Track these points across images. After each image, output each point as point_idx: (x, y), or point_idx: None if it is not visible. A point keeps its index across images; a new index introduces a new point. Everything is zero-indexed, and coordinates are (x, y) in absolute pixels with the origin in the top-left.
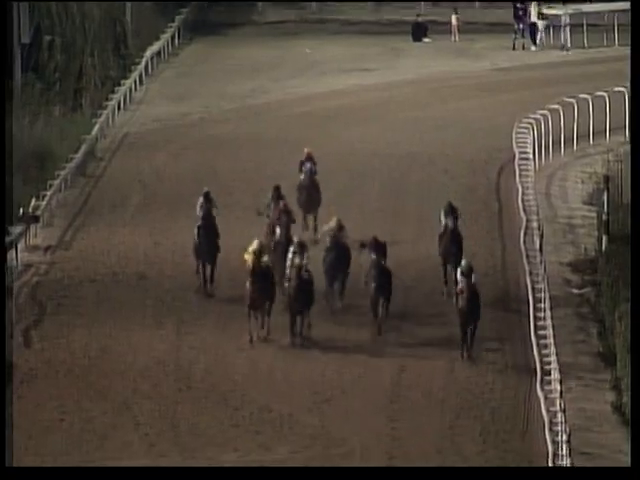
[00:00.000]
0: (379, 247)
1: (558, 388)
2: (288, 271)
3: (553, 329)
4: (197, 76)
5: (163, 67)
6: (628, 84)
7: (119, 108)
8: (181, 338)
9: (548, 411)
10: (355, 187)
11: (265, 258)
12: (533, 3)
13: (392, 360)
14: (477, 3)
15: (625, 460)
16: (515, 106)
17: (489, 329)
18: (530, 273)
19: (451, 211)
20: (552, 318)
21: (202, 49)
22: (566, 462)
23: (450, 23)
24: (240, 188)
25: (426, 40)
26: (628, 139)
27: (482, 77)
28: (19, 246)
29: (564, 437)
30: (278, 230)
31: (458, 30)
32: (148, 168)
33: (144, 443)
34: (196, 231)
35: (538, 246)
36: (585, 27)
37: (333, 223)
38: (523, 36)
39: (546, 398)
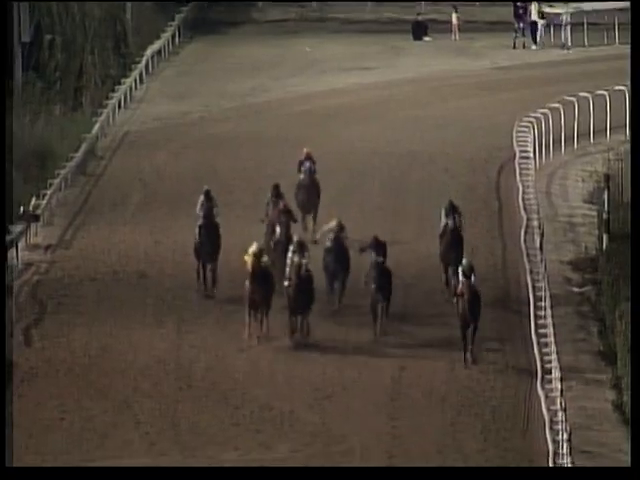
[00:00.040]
0: (379, 247)
1: (559, 387)
2: (288, 270)
3: (554, 328)
4: (197, 75)
5: (163, 66)
6: (628, 83)
7: (119, 107)
8: (181, 337)
9: (549, 410)
10: (355, 186)
11: (264, 259)
12: (533, 2)
13: (392, 359)
14: (477, 2)
15: (625, 459)
16: (515, 105)
17: (489, 328)
18: (530, 272)
19: (452, 210)
20: (552, 317)
21: (202, 48)
22: (566, 461)
23: (450, 22)
24: (240, 187)
25: (426, 39)
26: (628, 138)
27: (482, 76)
28: (19, 245)
29: (564, 436)
30: (278, 229)
31: (458, 29)
32: (148, 167)
33: (144, 442)
34: (197, 230)
35: (538, 245)
36: (585, 26)
37: (333, 223)
38: (523, 35)
39: (546, 397)
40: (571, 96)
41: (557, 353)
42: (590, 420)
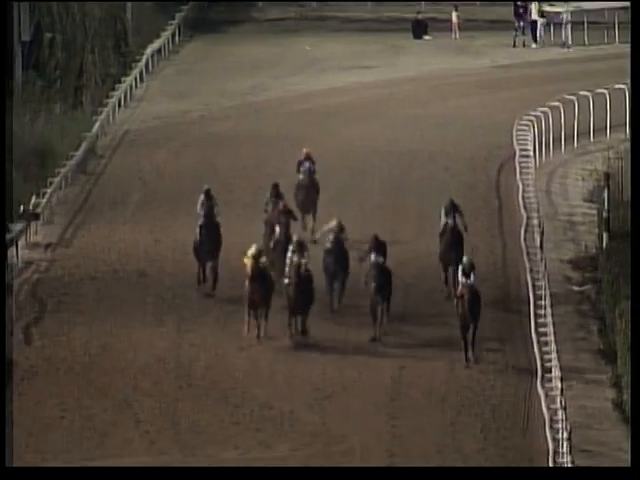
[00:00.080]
0: (379, 247)
1: (559, 385)
2: (287, 269)
3: (554, 326)
4: (197, 74)
5: (163, 65)
6: (628, 81)
7: (119, 105)
8: (181, 336)
9: (549, 408)
10: (355, 185)
11: (263, 259)
12: (534, 1)
13: (392, 359)
14: (478, 1)
15: (625, 458)
16: (515, 103)
17: (489, 328)
18: (530, 270)
19: (452, 209)
20: (552, 315)
21: (202, 46)
22: (566, 460)
23: (450, 20)
24: (240, 185)
25: (426, 37)
26: (628, 136)
27: (482, 74)
28: (19, 243)
29: (564, 435)
30: (278, 229)
31: (458, 27)
32: (148, 166)
33: (144, 441)
34: (198, 230)
35: (538, 243)
36: (586, 24)
37: (333, 223)
38: (524, 33)
39: (546, 395)
40: (571, 95)
41: (557, 352)
42: (590, 419)
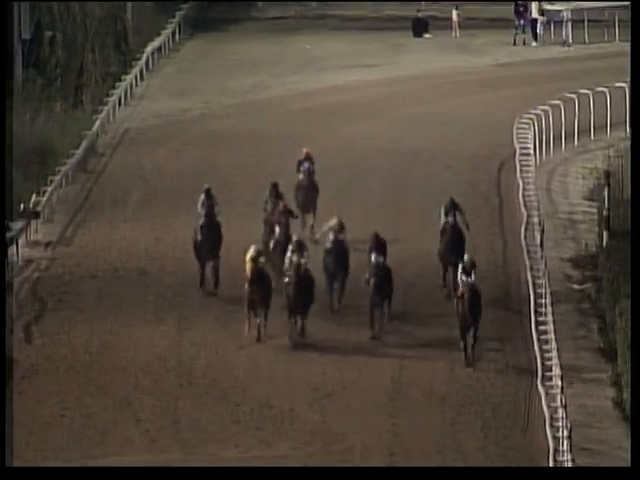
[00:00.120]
0: (379, 246)
1: (559, 384)
2: (287, 267)
3: (554, 325)
4: (198, 72)
5: (164, 63)
6: (629, 80)
7: (120, 104)
8: (182, 334)
9: (549, 407)
10: (357, 183)
11: (261, 260)
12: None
13: (392, 359)
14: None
15: (625, 456)
16: (516, 102)
17: (489, 326)
18: (531, 269)
19: (453, 207)
20: (553, 314)
21: (203, 45)
22: (567, 458)
23: (451, 19)
24: (241, 184)
25: (427, 36)
26: (629, 135)
27: (483, 73)
28: (20, 242)
29: (565, 433)
30: (277, 229)
31: (459, 26)
32: (149, 164)
33: (145, 439)
34: (199, 229)
35: (539, 242)
36: (586, 23)
37: (334, 222)
38: (524, 32)
39: (547, 394)
40: (572, 93)
41: (557, 350)
42: (590, 417)
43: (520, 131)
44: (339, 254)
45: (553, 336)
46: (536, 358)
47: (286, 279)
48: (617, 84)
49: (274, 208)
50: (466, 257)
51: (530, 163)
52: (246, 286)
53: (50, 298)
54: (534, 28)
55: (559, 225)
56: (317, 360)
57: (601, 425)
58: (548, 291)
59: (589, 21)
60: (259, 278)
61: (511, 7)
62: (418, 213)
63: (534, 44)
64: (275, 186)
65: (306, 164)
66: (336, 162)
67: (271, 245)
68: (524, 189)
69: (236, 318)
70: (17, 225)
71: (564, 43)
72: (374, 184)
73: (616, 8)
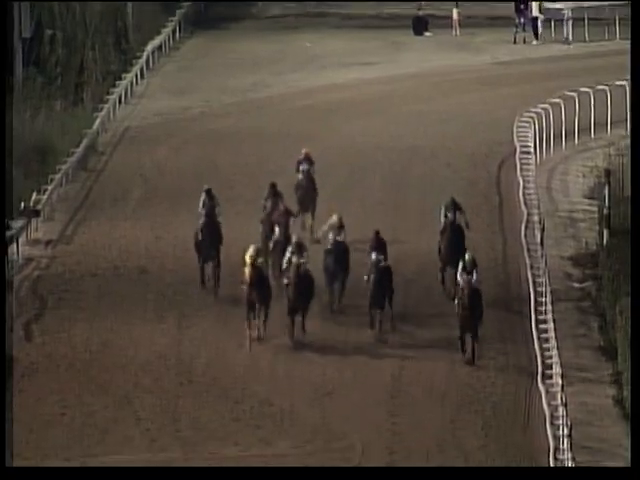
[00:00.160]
0: (380, 245)
1: (559, 382)
2: (285, 268)
3: (554, 323)
4: (198, 70)
5: (164, 61)
6: (629, 78)
7: (120, 102)
8: (182, 332)
9: (549, 405)
10: (356, 181)
11: (260, 260)
12: None
13: (392, 357)
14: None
15: (626, 455)
16: (516, 100)
17: (489, 325)
18: (531, 267)
19: (453, 207)
20: (553, 312)
21: (203, 43)
22: (567, 456)
23: (451, 17)
24: (241, 182)
25: (427, 34)
26: (629, 133)
27: (483, 71)
28: (20, 240)
29: (565, 431)
30: (277, 229)
31: (459, 24)
32: (149, 162)
33: (145, 437)
34: (199, 230)
35: (539, 240)
36: (586, 21)
37: (334, 219)
38: (524, 30)
39: (547, 392)
40: (572, 91)
41: (557, 349)
42: (591, 416)
43: (520, 129)
44: (339, 254)
45: (553, 334)
46: (536, 356)
47: (285, 280)
48: (617, 82)
49: (274, 208)
50: (467, 257)
51: (530, 161)
52: (245, 288)
53: (50, 296)
54: (534, 26)
55: (559, 223)
56: (317, 360)
57: (601, 423)
58: (548, 289)
59: (589, 19)
60: (258, 280)
61: (511, 5)
62: (418, 211)
63: (534, 42)
64: (274, 186)
65: (304, 165)
66: (336, 160)
67: (271, 245)
68: (524, 187)
69: (236, 315)
70: (17, 223)
71: (565, 41)
72: (374, 182)
73: (616, 6)
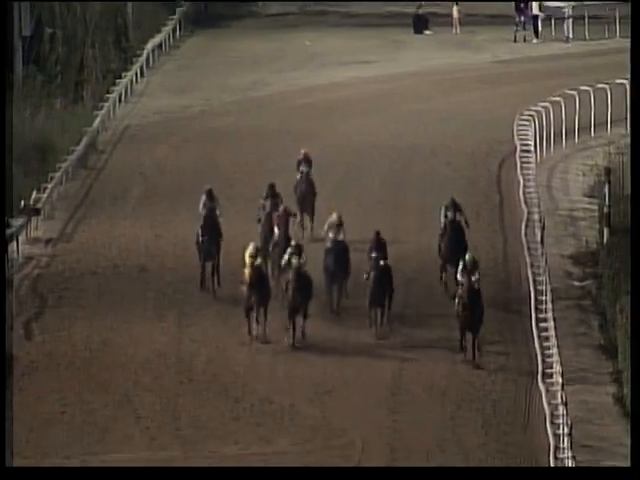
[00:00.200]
0: (380, 245)
1: (559, 381)
2: (284, 268)
3: (554, 322)
4: (198, 68)
5: (164, 60)
6: (629, 76)
7: (120, 101)
8: (182, 330)
9: (549, 404)
10: (356, 179)
11: (259, 260)
12: None
13: (393, 359)
14: None
15: (626, 453)
16: (516, 98)
17: (490, 323)
18: (531, 265)
19: (454, 207)
20: (553, 311)
21: (203, 41)
22: (567, 455)
23: (451, 15)
24: (242, 181)
25: (427, 32)
26: (629, 131)
27: (483, 69)
28: (20, 238)
29: (565, 430)
30: (277, 230)
31: (459, 22)
32: (149, 161)
33: (145, 436)
34: (200, 231)
35: (539, 238)
36: (586, 19)
37: (334, 217)
38: (524, 28)
39: (547, 391)
40: (572, 90)
41: (558, 347)
42: (591, 414)
43: (521, 128)
44: (339, 254)
45: (553, 333)
46: (536, 355)
47: (285, 281)
48: (617, 81)
49: (273, 208)
50: (468, 257)
51: (531, 160)
52: (245, 289)
53: (50, 295)
54: (535, 25)
55: (559, 222)
56: (317, 359)
57: (602, 422)
58: (548, 288)
59: (589, 17)
60: (258, 281)
61: (512, 4)
62: (417, 210)
63: (535, 41)
64: (272, 187)
65: (304, 166)
66: (336, 158)
67: (270, 246)
68: (524, 186)
69: (236, 313)
70: (17, 222)
71: (565, 40)
72: (373, 181)
73: (616, 4)
